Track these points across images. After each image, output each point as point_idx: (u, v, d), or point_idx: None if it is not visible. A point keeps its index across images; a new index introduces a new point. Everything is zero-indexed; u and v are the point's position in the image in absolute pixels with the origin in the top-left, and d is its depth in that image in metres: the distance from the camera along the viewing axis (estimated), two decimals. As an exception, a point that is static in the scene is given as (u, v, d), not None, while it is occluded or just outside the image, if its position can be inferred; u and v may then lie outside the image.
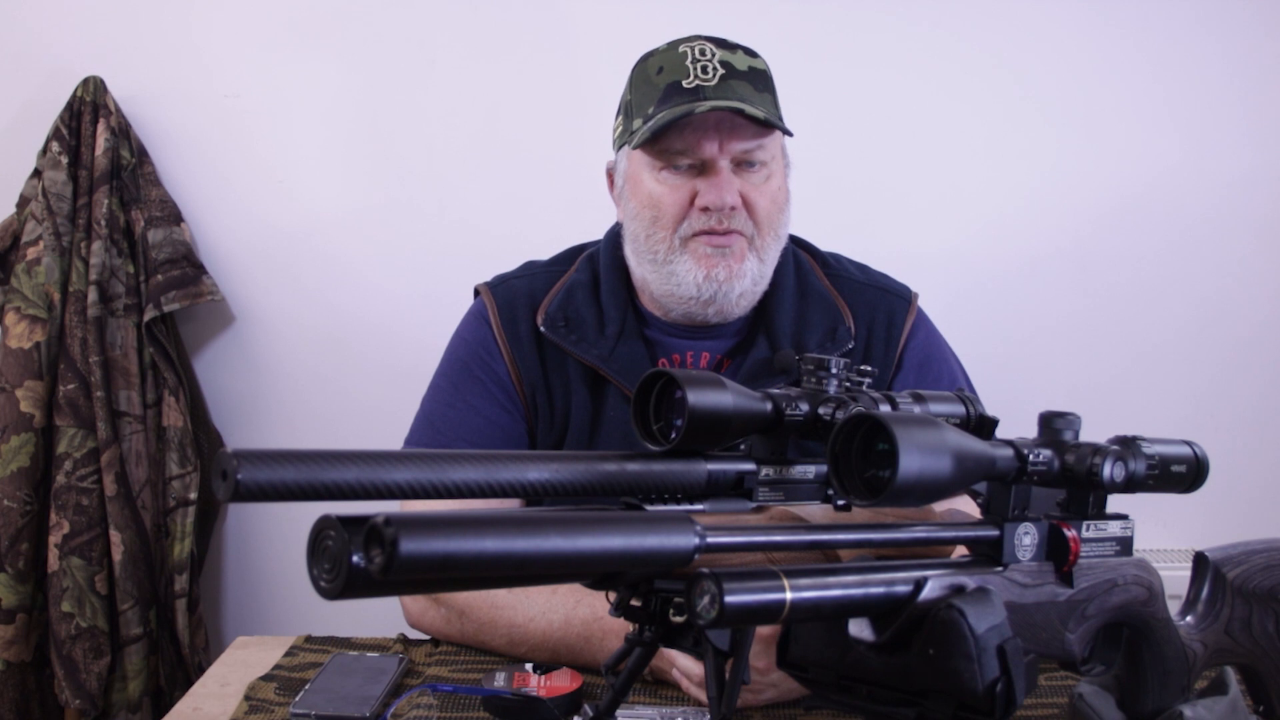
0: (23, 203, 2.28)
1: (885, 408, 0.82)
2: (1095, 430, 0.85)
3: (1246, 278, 2.39)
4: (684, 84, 1.40)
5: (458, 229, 2.36)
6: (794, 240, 1.60)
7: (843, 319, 1.51)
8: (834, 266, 1.58)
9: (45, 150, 2.26)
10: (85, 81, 2.27)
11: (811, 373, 0.84)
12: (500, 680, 1.23)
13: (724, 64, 1.42)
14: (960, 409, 0.86)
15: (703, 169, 1.42)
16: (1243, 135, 2.36)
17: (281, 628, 2.41)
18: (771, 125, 1.39)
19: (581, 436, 1.47)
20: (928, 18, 2.34)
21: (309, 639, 1.44)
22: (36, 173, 2.27)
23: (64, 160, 2.25)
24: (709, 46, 1.44)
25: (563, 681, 1.24)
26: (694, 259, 1.42)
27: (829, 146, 2.35)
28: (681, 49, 1.44)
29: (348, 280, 2.39)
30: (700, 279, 1.42)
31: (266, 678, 1.30)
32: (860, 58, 2.35)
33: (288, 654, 1.39)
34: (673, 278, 1.44)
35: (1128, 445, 0.83)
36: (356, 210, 2.39)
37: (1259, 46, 2.34)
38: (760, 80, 1.44)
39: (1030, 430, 0.83)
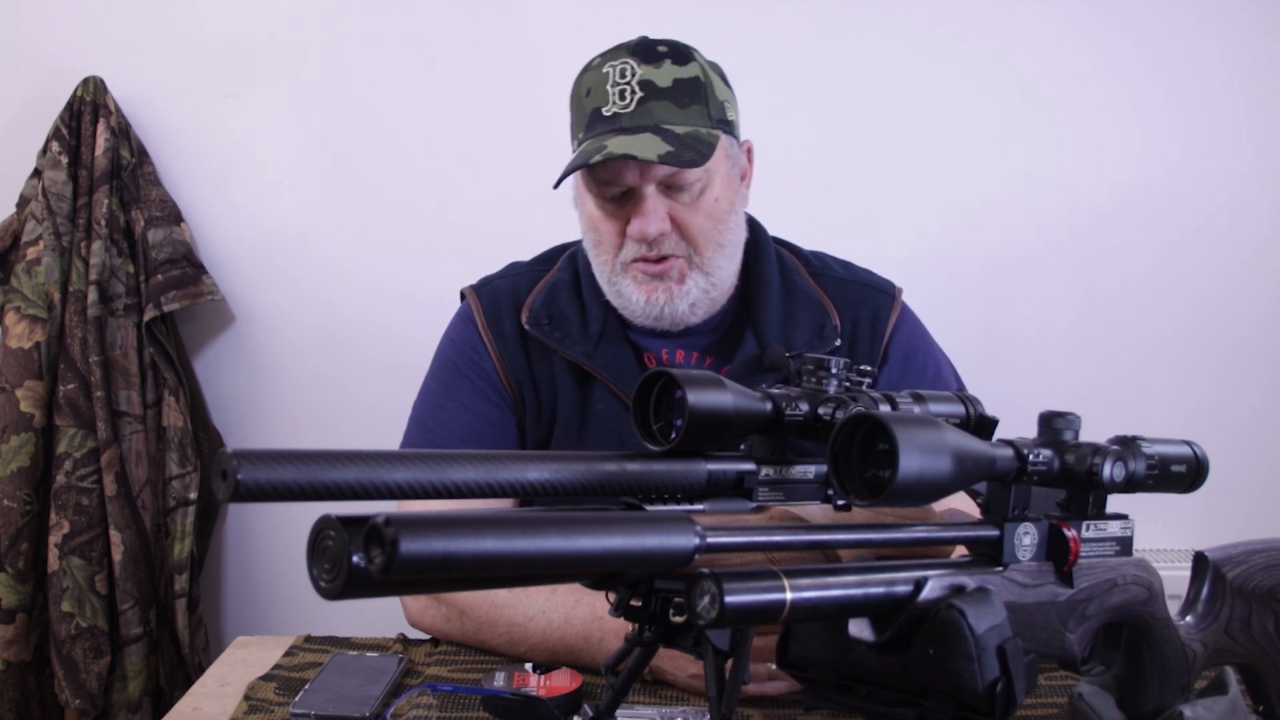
0: (23, 203, 2.28)
1: (885, 408, 0.82)
2: (1095, 431, 0.85)
3: (1247, 278, 2.39)
4: (604, 111, 1.40)
5: (458, 229, 2.36)
6: (777, 241, 1.60)
7: (829, 316, 1.52)
8: (817, 265, 1.59)
9: (45, 150, 2.26)
10: (85, 81, 2.27)
11: (811, 373, 0.84)
12: (500, 680, 1.23)
13: (644, 84, 1.40)
14: (960, 409, 0.86)
15: (630, 195, 1.42)
16: (1243, 135, 2.36)
17: (281, 628, 2.40)
18: (669, 163, 1.35)
19: (570, 431, 1.49)
20: (928, 18, 2.34)
21: (309, 639, 1.44)
22: (36, 173, 2.27)
23: (64, 160, 2.25)
24: (631, 65, 1.41)
25: (562, 681, 1.24)
26: (635, 283, 1.44)
27: (829, 146, 2.36)
28: (606, 69, 1.42)
29: (348, 280, 2.40)
30: (642, 302, 1.44)
31: (266, 678, 1.30)
32: (860, 57, 2.35)
33: (287, 654, 1.39)
34: (620, 296, 1.46)
35: (1127, 445, 0.83)
36: (356, 210, 2.39)
37: (1259, 46, 2.34)
38: (687, 93, 1.41)
39: (1030, 430, 0.83)
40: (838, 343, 1.50)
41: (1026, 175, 2.37)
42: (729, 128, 1.46)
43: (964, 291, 2.36)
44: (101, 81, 2.28)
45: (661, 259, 1.43)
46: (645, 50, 1.43)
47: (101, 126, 2.25)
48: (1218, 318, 2.40)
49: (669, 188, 1.41)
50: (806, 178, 2.35)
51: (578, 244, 1.58)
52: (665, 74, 1.41)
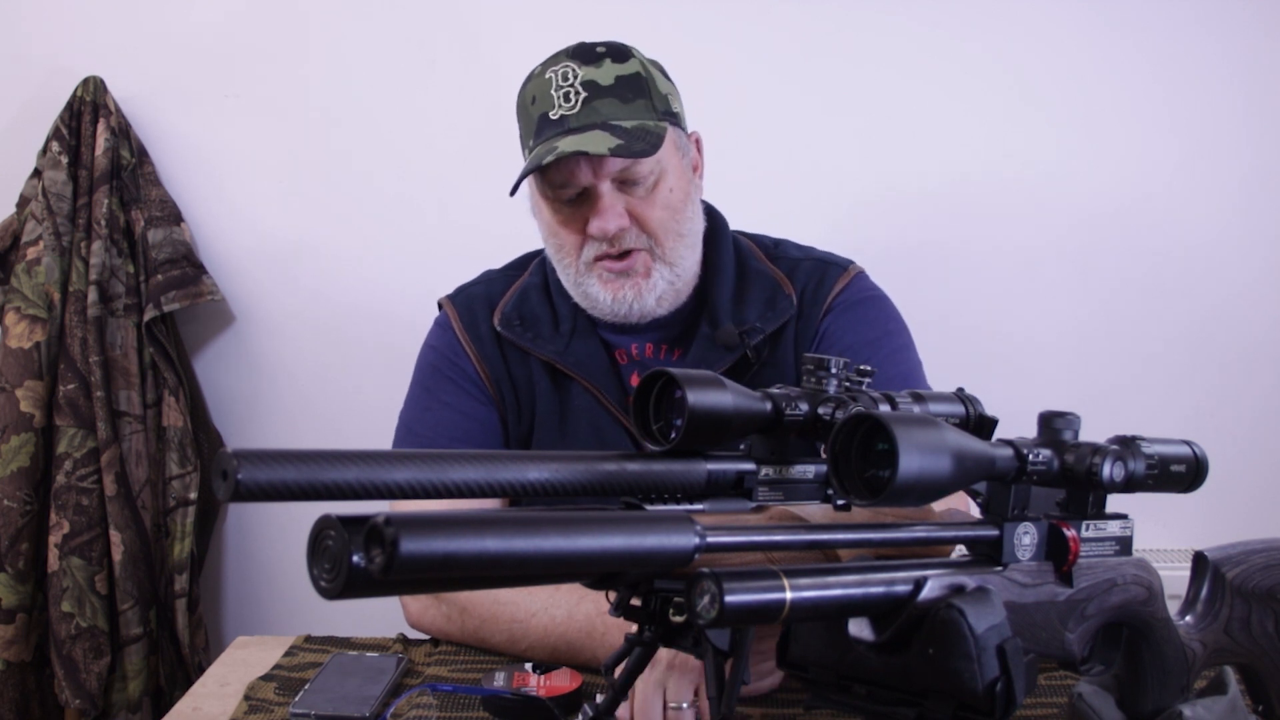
0: (23, 203, 2.28)
1: (885, 407, 0.82)
2: (1096, 431, 0.85)
3: (1247, 279, 2.39)
4: (550, 115, 1.42)
5: (458, 229, 2.37)
6: (738, 231, 1.62)
7: (781, 288, 1.53)
8: (774, 249, 1.61)
9: (45, 150, 2.26)
10: (85, 81, 2.27)
11: (811, 373, 0.84)
12: (500, 680, 1.23)
13: (587, 85, 1.42)
14: (960, 409, 0.86)
15: (586, 195, 1.43)
16: (1243, 136, 2.36)
17: (281, 628, 2.40)
18: (620, 154, 1.37)
19: (550, 428, 1.52)
20: (928, 18, 2.34)
21: (309, 639, 1.44)
22: (36, 173, 2.27)
23: (64, 160, 2.25)
24: (572, 68, 1.43)
25: (562, 681, 1.24)
26: (600, 283, 1.46)
27: (827, 146, 2.35)
28: (548, 74, 1.44)
29: (348, 280, 2.40)
30: (610, 300, 1.46)
31: (266, 678, 1.31)
32: (860, 57, 2.35)
33: (287, 654, 1.39)
34: (587, 297, 1.48)
35: (1127, 445, 0.83)
36: (356, 210, 2.39)
37: (1259, 46, 2.34)
38: (630, 88, 1.43)
39: (1029, 431, 0.83)
40: (792, 313, 1.51)
41: (1026, 175, 2.37)
42: (675, 119, 1.48)
43: (964, 291, 2.36)
44: (101, 81, 2.28)
45: (624, 255, 1.45)
46: (584, 53, 1.45)
47: (101, 126, 2.25)
48: (1218, 318, 2.40)
49: (623, 183, 1.43)
50: (805, 177, 2.35)
51: None
52: (607, 73, 1.43)
